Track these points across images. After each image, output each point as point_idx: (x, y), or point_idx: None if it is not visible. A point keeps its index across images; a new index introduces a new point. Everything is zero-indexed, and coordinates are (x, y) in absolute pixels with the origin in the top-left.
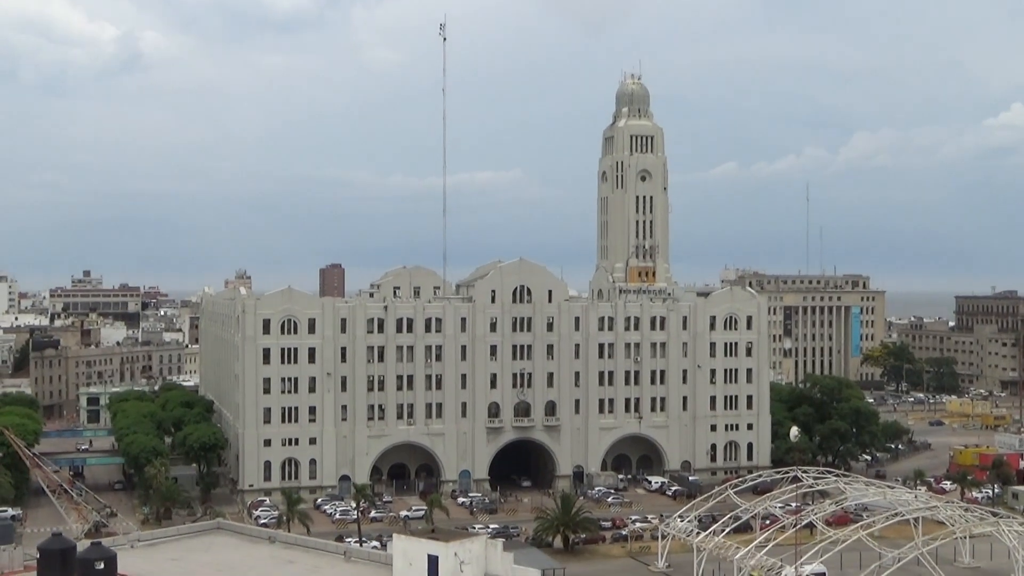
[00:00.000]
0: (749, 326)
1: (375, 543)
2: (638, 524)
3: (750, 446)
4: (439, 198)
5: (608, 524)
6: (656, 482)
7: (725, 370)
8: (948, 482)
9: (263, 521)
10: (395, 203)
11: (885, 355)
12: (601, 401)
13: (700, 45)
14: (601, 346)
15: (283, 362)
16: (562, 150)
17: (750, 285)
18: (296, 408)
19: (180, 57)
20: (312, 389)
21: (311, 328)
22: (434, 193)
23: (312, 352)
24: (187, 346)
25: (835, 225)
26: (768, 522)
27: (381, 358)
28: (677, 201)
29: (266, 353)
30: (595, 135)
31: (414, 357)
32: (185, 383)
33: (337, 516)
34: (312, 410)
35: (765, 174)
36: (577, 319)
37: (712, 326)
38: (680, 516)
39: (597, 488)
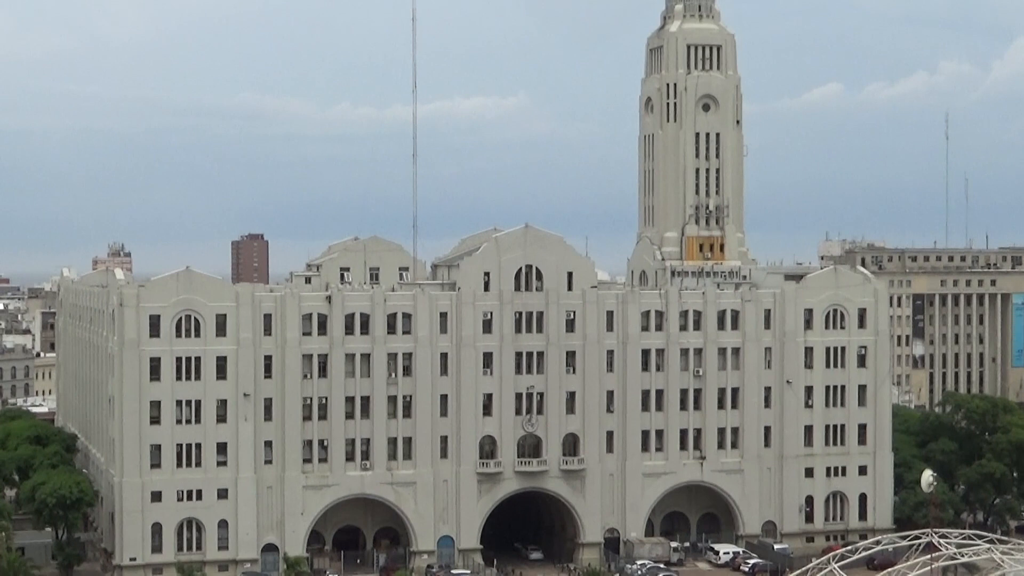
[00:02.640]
0: (862, 323)
1: None
2: None
3: (863, 499)
4: (406, 137)
5: None
6: (727, 552)
7: (827, 388)
8: None
9: None
10: (342, 145)
11: None
12: (645, 434)
13: None
14: (645, 353)
15: (179, 378)
16: (585, 66)
17: (863, 264)
18: (199, 446)
19: None
20: (222, 418)
21: (220, 328)
22: (399, 130)
23: (222, 363)
24: (38, 355)
25: (987, 175)
26: None
27: (323, 372)
28: (756, 141)
29: (154, 365)
30: (634, 44)
31: (371, 371)
32: (35, 409)
33: None
34: (222, 448)
35: (883, 100)
36: (610, 314)
37: (808, 324)
38: None
39: (640, 562)
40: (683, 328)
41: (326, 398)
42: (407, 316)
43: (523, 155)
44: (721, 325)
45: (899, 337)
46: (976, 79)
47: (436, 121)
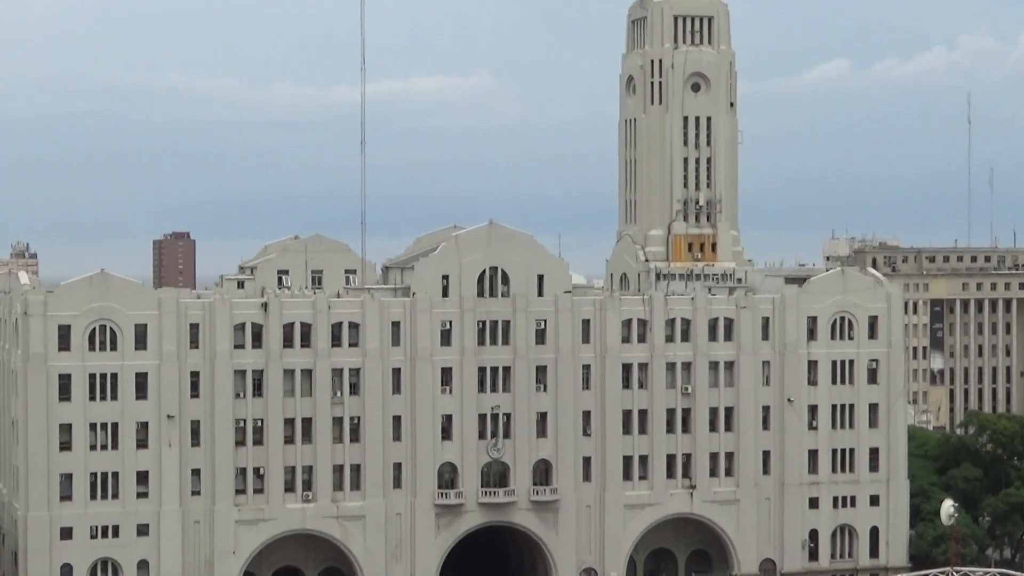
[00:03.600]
0: (873, 333)
1: None
2: None
3: (875, 533)
4: (353, 121)
5: None
6: None
7: (834, 407)
8: None
9: None
10: (279, 130)
11: None
12: (627, 461)
13: None
14: (627, 368)
15: (93, 397)
16: (558, 41)
17: (874, 265)
18: (115, 475)
19: None
20: (142, 443)
21: (140, 340)
22: (345, 113)
23: (142, 380)
24: None
25: (1015, 164)
26: None
27: (258, 390)
28: (752, 126)
29: (64, 383)
30: (614, 15)
31: (314, 388)
32: None
33: None
34: (142, 478)
35: (896, 79)
36: (586, 323)
37: (812, 334)
38: None
39: None
40: (670, 339)
41: (262, 420)
42: (354, 326)
43: (487, 142)
44: (713, 335)
45: (915, 349)
46: (1002, 55)
47: (388, 103)
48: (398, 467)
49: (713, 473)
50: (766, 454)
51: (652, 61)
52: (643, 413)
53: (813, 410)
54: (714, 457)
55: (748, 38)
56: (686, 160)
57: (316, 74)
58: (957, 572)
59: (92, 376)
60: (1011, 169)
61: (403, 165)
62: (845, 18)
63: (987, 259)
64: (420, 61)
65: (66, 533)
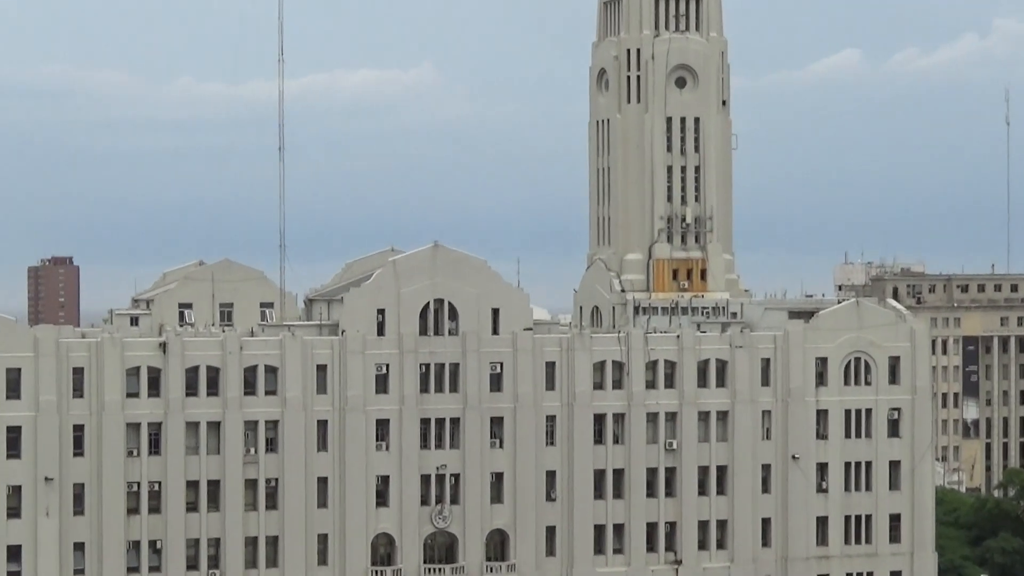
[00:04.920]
0: (894, 377)
1: None
2: None
3: None
4: (270, 123)
5: None
6: None
7: (847, 465)
8: None
9: None
10: (181, 133)
11: None
12: (599, 530)
13: None
14: (599, 420)
15: None
16: (515, 27)
17: (895, 295)
18: None
19: None
20: (15, 511)
21: (12, 388)
22: (261, 114)
23: (14, 436)
24: None
25: None
26: None
27: (156, 447)
28: (748, 128)
29: None
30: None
31: (223, 445)
32: None
33: None
34: (14, 554)
35: (918, 72)
36: (550, 366)
37: (821, 378)
38: None
39: None
40: (651, 385)
41: (159, 483)
42: (272, 370)
43: (430, 148)
44: (703, 381)
45: (945, 395)
46: None
47: (312, 101)
48: (323, 539)
49: (703, 546)
50: (766, 522)
51: (628, 51)
52: (619, 473)
53: (823, 469)
54: (704, 526)
55: (742, 24)
56: (670, 169)
57: (224, 68)
58: None
59: None
60: None
61: (330, 175)
62: (857, 0)
63: None
64: (349, 51)
65: None
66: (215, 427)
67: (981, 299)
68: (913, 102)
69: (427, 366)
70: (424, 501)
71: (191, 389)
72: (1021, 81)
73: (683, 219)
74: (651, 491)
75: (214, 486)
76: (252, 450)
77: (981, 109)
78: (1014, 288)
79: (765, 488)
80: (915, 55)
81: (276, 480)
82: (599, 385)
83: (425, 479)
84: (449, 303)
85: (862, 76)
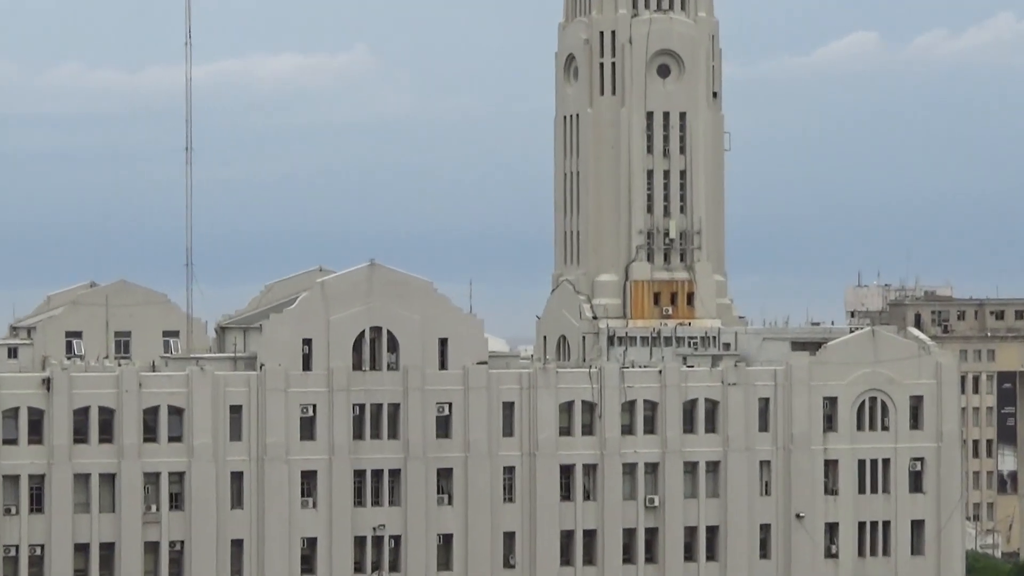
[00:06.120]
0: (917, 421)
1: None
2: None
3: None
4: (174, 118)
5: None
6: None
7: (861, 525)
8: None
9: None
10: (65, 129)
11: None
12: None
13: None
14: (567, 471)
15: None
16: (465, 4)
17: (917, 324)
18: None
19: None
20: None
21: None
22: (161, 106)
23: None
24: None
25: None
26: None
27: (38, 504)
28: (743, 124)
29: None
30: None
31: (119, 501)
32: None
33: None
34: None
35: (943, 58)
36: (508, 407)
37: (830, 422)
38: None
39: None
40: (628, 430)
41: (42, 547)
42: (177, 412)
43: (365, 147)
44: (690, 425)
45: (977, 443)
46: None
47: (223, 92)
48: None
49: None
50: None
51: (602, 34)
52: (590, 535)
53: (832, 530)
54: None
55: (736, 2)
56: (651, 173)
57: (120, 51)
58: None
59: None
60: None
61: (247, 180)
62: None
63: None
64: (269, 32)
65: None
66: (109, 479)
67: (1019, 327)
68: (939, 94)
69: (362, 407)
70: (358, 568)
71: (80, 434)
72: None
73: (666, 233)
74: (628, 556)
75: (108, 549)
76: (153, 507)
77: (1019, 101)
78: None
79: (764, 553)
80: (941, 38)
81: (181, 543)
82: (566, 430)
83: (359, 541)
84: (388, 332)
85: (878, 63)
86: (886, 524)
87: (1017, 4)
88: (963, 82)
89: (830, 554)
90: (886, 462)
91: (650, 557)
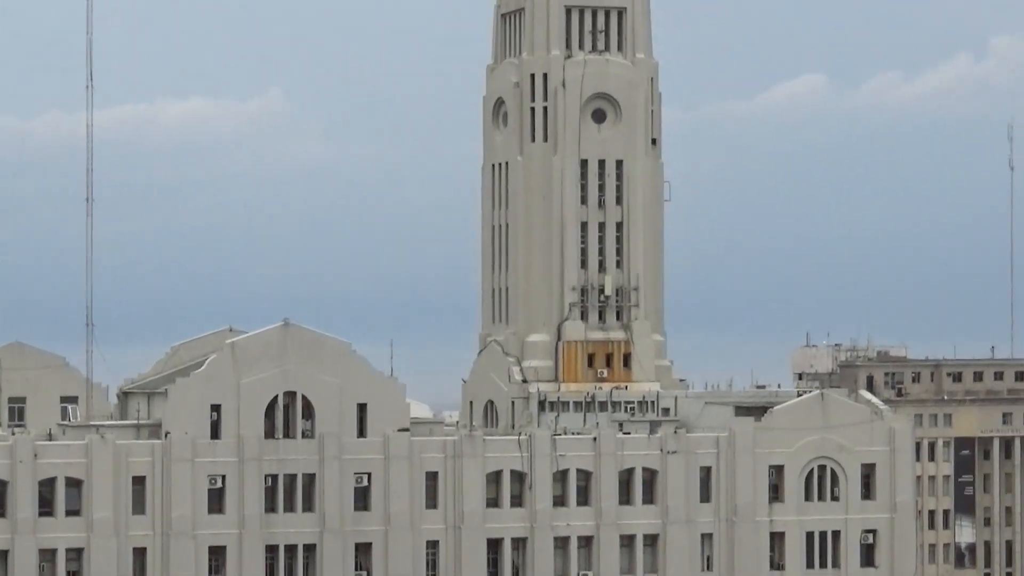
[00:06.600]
0: (869, 491)
1: None
2: None
3: None
4: (73, 164)
5: None
6: None
7: None
8: None
9: None
10: None
11: None
12: None
13: None
14: (494, 546)
15: None
16: (386, 44)
17: (869, 387)
18: None
19: None
20: None
21: None
22: (58, 155)
23: None
24: None
25: None
26: None
27: None
28: (683, 173)
29: None
30: (475, 7)
31: None
32: None
33: None
34: None
35: (897, 102)
36: (432, 477)
37: (776, 492)
38: None
39: None
40: (560, 502)
41: None
42: (75, 484)
43: (278, 198)
44: (626, 496)
45: (933, 513)
46: None
47: (128, 139)
48: None
49: None
50: None
51: (533, 76)
52: None
53: None
54: None
55: (676, 44)
56: (585, 226)
57: (12, 94)
58: None
59: None
60: None
61: (151, 234)
62: (820, 14)
63: None
64: (176, 75)
65: None
66: (2, 557)
67: (978, 390)
68: (892, 141)
69: (274, 478)
70: None
71: None
72: None
73: (601, 290)
74: None
75: None
76: None
77: (977, 149)
78: (1019, 376)
79: None
80: (894, 81)
81: None
82: (494, 501)
83: None
84: (303, 397)
85: (827, 108)
86: None
87: (975, 43)
88: (918, 128)
89: None
90: (836, 535)
91: None
